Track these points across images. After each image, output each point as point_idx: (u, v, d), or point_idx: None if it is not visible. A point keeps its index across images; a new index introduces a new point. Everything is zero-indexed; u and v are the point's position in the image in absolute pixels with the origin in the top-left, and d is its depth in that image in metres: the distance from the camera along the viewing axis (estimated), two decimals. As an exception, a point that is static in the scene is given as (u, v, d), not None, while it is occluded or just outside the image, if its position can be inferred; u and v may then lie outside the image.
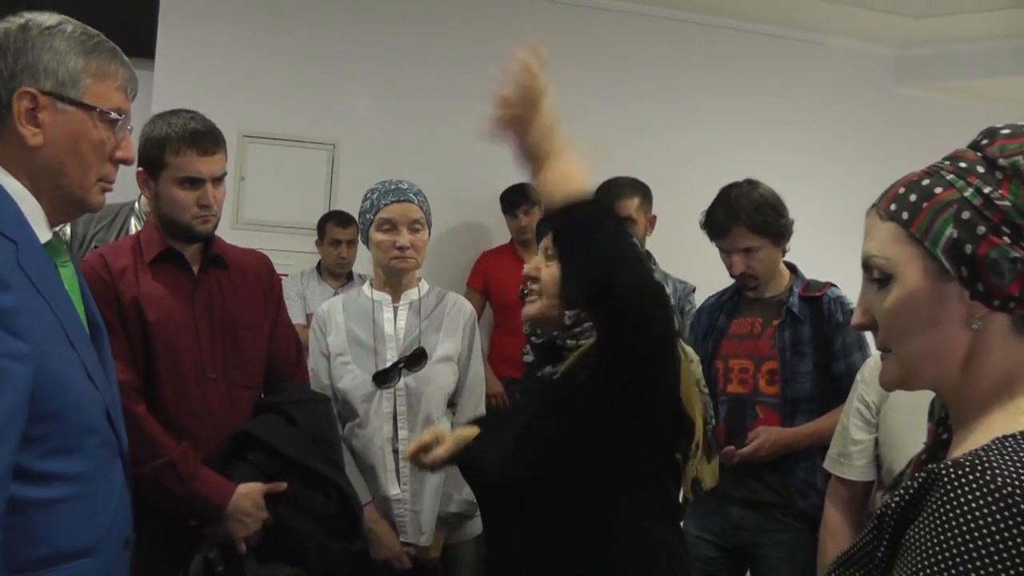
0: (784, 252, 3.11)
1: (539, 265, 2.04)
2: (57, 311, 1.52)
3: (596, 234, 1.63)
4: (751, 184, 3.08)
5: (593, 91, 5.69)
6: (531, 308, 2.04)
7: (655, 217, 3.85)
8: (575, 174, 1.66)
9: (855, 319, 1.23)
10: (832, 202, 5.61)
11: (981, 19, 5.59)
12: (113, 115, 1.64)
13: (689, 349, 2.01)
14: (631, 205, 3.70)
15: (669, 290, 3.67)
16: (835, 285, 3.06)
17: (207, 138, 2.37)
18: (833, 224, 5.59)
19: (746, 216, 2.99)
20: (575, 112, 5.68)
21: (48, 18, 1.60)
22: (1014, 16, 5.47)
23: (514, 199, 5.12)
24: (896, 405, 2.37)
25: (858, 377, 2.53)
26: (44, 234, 1.59)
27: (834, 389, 2.90)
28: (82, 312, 1.66)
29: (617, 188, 3.76)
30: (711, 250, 3.19)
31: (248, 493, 2.36)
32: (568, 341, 1.98)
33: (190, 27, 5.08)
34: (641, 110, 5.77)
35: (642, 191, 3.79)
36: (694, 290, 3.79)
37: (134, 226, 3.55)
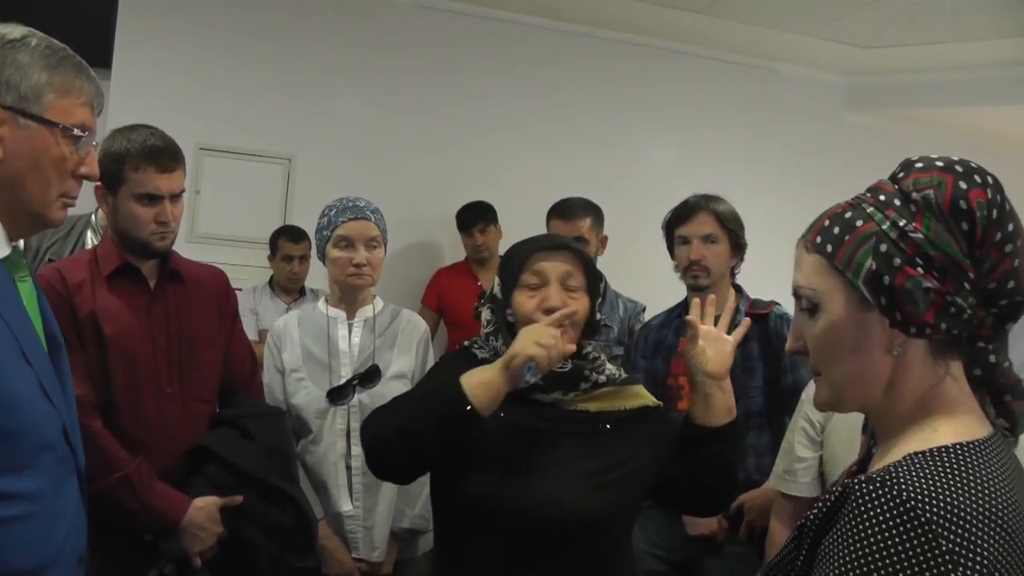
0: (732, 273, 3.19)
1: (564, 299, 1.99)
2: (13, 327, 1.50)
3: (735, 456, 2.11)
4: (723, 198, 3.20)
5: (546, 111, 5.76)
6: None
7: (606, 237, 3.90)
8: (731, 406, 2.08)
9: (788, 344, 1.31)
10: (782, 224, 5.70)
11: (928, 51, 5.74)
12: (76, 131, 1.61)
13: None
14: (583, 225, 3.75)
15: (620, 310, 3.72)
16: (779, 304, 3.13)
17: (166, 155, 2.37)
18: (782, 245, 5.69)
19: (715, 206, 3.12)
20: (530, 135, 5.72)
21: (12, 31, 1.57)
22: (959, 49, 5.63)
23: (469, 218, 5.15)
24: (840, 424, 2.43)
25: (803, 396, 2.59)
26: (2, 249, 1.57)
27: (783, 403, 2.95)
28: (40, 328, 1.64)
29: (569, 209, 3.81)
30: (661, 270, 3.24)
31: (203, 507, 2.36)
32: (593, 373, 2.01)
33: (148, 38, 5.05)
34: (594, 132, 5.84)
35: (594, 212, 3.84)
36: (644, 309, 3.83)
37: (90, 239, 3.51)
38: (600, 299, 2.10)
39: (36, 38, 1.59)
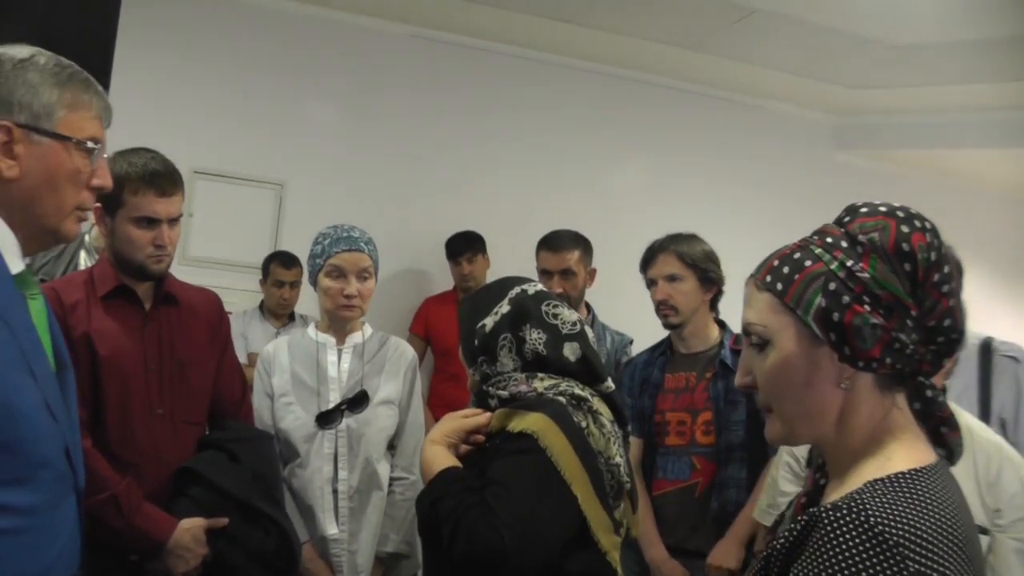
0: (713, 307, 3.24)
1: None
2: (20, 341, 1.52)
3: None
4: (695, 235, 3.26)
5: (536, 143, 5.80)
6: None
7: (595, 270, 3.94)
8: None
9: (738, 379, 1.35)
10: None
11: (912, 94, 5.84)
12: (89, 144, 1.64)
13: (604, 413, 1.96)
14: (571, 258, 3.79)
15: (607, 343, 3.76)
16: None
17: (166, 179, 2.40)
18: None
19: (676, 246, 3.19)
20: (521, 166, 5.71)
21: (21, 51, 1.61)
22: (943, 93, 5.72)
23: (458, 247, 5.19)
24: (823, 459, 2.47)
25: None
26: (16, 265, 1.58)
27: (764, 438, 2.98)
28: (49, 346, 1.65)
29: (558, 241, 3.85)
30: (649, 304, 3.28)
31: (189, 528, 2.36)
32: (488, 388, 1.99)
33: (145, 60, 5.08)
34: (584, 166, 5.90)
35: (582, 244, 3.88)
36: (631, 342, 3.86)
37: (83, 259, 3.52)
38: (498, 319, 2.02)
39: (44, 56, 1.63)
